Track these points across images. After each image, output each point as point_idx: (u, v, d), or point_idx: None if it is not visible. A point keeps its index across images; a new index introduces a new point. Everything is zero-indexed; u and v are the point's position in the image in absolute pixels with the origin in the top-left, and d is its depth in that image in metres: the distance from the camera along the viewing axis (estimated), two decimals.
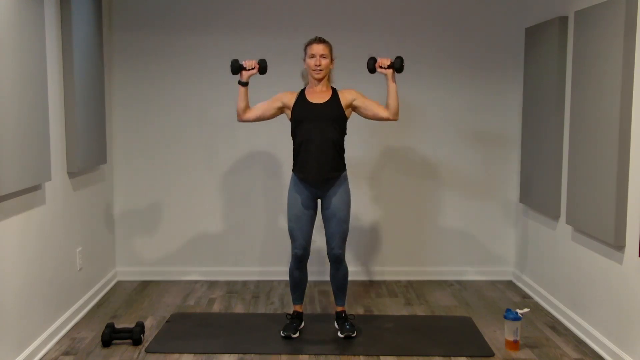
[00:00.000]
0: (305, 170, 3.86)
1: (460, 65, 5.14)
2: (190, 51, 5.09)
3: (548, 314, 4.45)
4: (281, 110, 3.95)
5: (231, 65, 3.85)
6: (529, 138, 4.83)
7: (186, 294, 4.87)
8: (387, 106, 3.88)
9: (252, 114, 3.93)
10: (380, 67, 3.85)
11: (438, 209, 5.26)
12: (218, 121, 5.14)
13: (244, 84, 3.87)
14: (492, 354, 3.73)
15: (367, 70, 3.93)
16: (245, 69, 3.85)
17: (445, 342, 3.91)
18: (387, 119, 3.91)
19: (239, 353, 3.75)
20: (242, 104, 3.89)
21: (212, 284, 5.13)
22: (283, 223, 5.11)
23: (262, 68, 3.90)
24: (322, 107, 3.86)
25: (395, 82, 3.86)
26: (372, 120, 4.02)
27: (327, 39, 3.93)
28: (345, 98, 3.90)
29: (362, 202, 5.19)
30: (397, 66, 3.82)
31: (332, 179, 3.89)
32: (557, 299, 4.40)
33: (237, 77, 3.90)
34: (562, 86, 4.28)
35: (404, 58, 3.84)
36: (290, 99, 3.92)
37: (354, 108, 3.93)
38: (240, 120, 3.95)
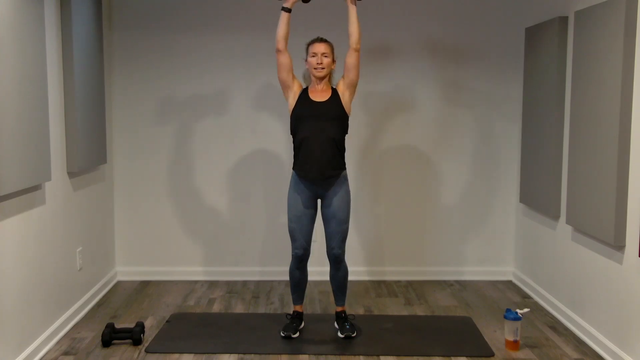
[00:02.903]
0: (306, 168, 3.86)
1: (460, 65, 5.13)
2: (190, 51, 5.09)
3: (548, 314, 4.45)
4: (289, 84, 3.91)
5: None
6: (529, 138, 4.83)
7: (186, 294, 4.87)
8: (349, 34, 3.82)
9: (286, 55, 3.86)
10: None
11: (438, 209, 5.25)
12: (218, 120, 5.14)
13: (288, 10, 3.86)
14: (492, 354, 3.73)
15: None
16: None
17: (445, 342, 3.91)
18: (354, 51, 3.81)
19: (239, 353, 3.75)
20: (283, 31, 3.85)
21: (212, 284, 5.13)
22: (283, 223, 5.10)
23: None
24: (323, 105, 3.86)
25: (355, 4, 3.81)
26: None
27: (327, 39, 3.93)
28: (340, 89, 3.91)
29: (363, 202, 5.19)
30: None
31: (332, 177, 3.89)
32: (557, 299, 4.40)
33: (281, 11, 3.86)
34: (562, 86, 4.28)
35: None
36: (298, 90, 3.92)
37: (347, 86, 3.89)
38: (277, 48, 3.87)
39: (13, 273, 3.40)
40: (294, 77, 3.93)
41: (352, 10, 3.83)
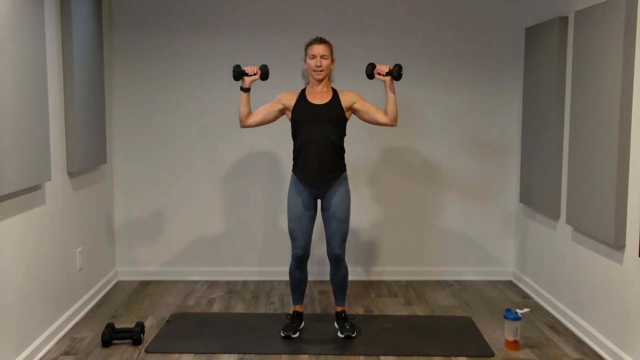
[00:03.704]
0: (306, 170, 3.86)
1: (460, 66, 5.14)
2: (191, 51, 5.09)
3: (548, 314, 4.45)
4: (282, 112, 3.95)
5: (233, 71, 3.84)
6: (529, 138, 4.83)
7: (186, 294, 4.87)
8: (385, 112, 3.87)
9: (254, 119, 3.91)
10: (379, 74, 3.85)
11: (438, 209, 5.26)
12: (218, 121, 5.14)
13: (246, 90, 3.85)
14: (492, 354, 3.73)
15: (366, 72, 3.93)
16: (247, 74, 3.84)
17: (445, 342, 3.91)
18: (386, 125, 3.91)
19: (239, 353, 3.75)
20: (244, 110, 3.87)
21: (212, 284, 5.13)
22: (283, 223, 5.11)
23: (264, 74, 3.88)
24: (323, 108, 3.86)
25: (394, 90, 3.85)
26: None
27: (327, 39, 3.93)
28: (345, 100, 3.90)
29: (362, 202, 5.19)
30: (395, 74, 3.81)
31: (332, 179, 3.89)
32: (557, 299, 4.40)
33: (239, 82, 3.89)
34: (562, 86, 4.28)
35: (402, 66, 3.83)
36: (291, 100, 3.92)
37: (354, 111, 3.94)
38: (243, 126, 3.93)
39: (13, 273, 3.40)
40: (281, 105, 3.91)
41: (391, 98, 3.83)
